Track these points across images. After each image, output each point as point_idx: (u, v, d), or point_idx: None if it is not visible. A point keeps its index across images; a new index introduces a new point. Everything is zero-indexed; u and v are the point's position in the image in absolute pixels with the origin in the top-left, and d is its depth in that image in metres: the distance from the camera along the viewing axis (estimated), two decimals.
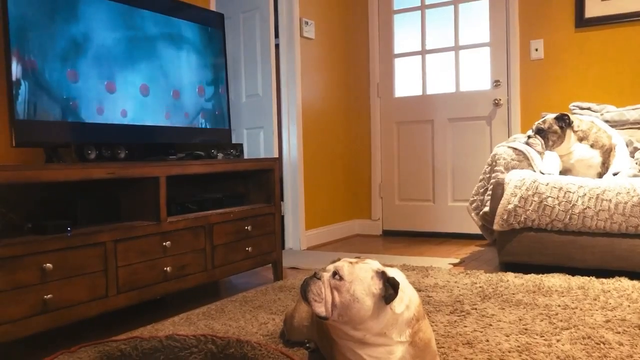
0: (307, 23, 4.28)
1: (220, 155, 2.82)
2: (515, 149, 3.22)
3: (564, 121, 3.10)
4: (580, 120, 3.17)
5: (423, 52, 4.57)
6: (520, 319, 2.06)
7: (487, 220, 3.20)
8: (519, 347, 1.77)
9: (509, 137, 4.11)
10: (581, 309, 2.17)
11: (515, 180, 2.96)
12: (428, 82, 4.57)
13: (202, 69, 2.92)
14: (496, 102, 4.23)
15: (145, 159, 2.52)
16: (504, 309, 2.21)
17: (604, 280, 2.62)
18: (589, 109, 3.63)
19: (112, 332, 2.14)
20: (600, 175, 3.10)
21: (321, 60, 4.49)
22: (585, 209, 2.77)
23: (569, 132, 3.11)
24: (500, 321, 2.05)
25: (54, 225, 1.98)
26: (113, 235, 2.11)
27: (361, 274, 1.36)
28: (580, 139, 3.13)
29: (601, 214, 2.74)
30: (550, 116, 3.14)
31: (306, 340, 1.81)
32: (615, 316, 2.06)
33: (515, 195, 2.91)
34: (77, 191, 2.41)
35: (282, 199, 4.11)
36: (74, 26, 2.31)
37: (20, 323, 1.79)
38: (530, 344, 1.79)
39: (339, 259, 3.54)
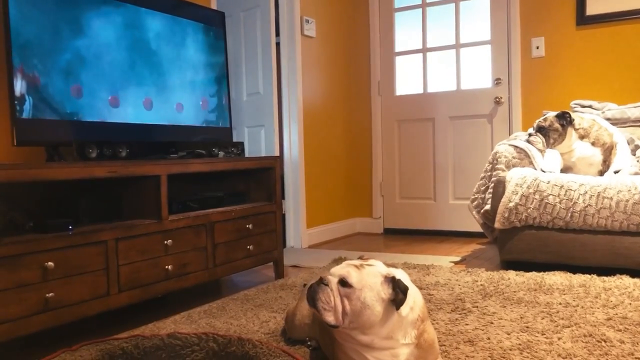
0: (307, 21, 4.28)
1: (221, 154, 2.82)
2: (516, 147, 3.22)
3: (565, 119, 3.10)
4: (581, 118, 3.17)
5: (424, 50, 4.56)
6: (521, 317, 2.06)
7: (488, 218, 3.19)
8: (520, 345, 1.77)
9: (510, 135, 4.10)
10: (582, 307, 2.17)
11: (516, 178, 2.96)
12: (429, 80, 4.57)
13: (203, 68, 2.92)
14: (497, 100, 4.23)
15: (146, 158, 2.52)
16: (505, 307, 2.21)
17: (605, 278, 2.62)
18: (590, 106, 3.63)
19: (114, 331, 2.15)
20: (601, 173, 3.10)
21: (322, 59, 4.49)
22: (587, 206, 2.77)
23: (570, 130, 3.11)
24: (501, 319, 2.05)
25: (56, 223, 1.98)
26: (114, 233, 2.11)
27: (370, 280, 1.35)
28: (582, 137, 3.12)
29: (602, 211, 2.74)
30: (552, 114, 3.14)
31: (307, 338, 1.81)
32: (617, 314, 2.06)
33: (517, 193, 2.91)
34: (79, 190, 2.41)
35: (283, 197, 4.11)
36: (74, 27, 2.31)
37: (22, 321, 1.79)
38: (532, 341, 1.79)
39: (340, 258, 3.53)
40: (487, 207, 3.16)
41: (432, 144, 4.54)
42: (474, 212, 3.35)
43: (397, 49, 4.69)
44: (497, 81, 4.24)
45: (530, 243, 2.93)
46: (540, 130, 3.12)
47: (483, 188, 3.32)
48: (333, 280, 1.37)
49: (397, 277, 1.35)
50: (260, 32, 4.07)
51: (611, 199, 2.73)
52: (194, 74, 2.87)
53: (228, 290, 2.84)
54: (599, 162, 3.12)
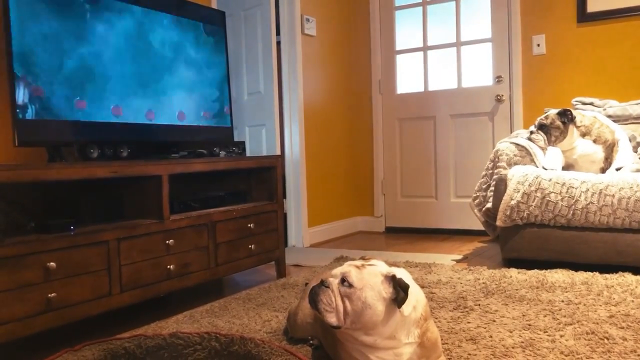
0: (308, 20, 4.27)
1: (222, 153, 2.82)
2: (517, 144, 3.21)
3: (566, 116, 3.09)
4: (582, 115, 3.17)
5: (425, 49, 4.56)
6: (523, 315, 2.06)
7: (490, 216, 3.19)
8: (522, 342, 1.77)
9: (511, 132, 4.10)
10: (585, 305, 2.16)
11: (517, 176, 2.95)
12: (430, 79, 4.56)
13: (203, 68, 2.92)
14: (498, 97, 4.22)
15: (147, 158, 2.52)
16: (507, 304, 2.21)
17: (607, 275, 2.62)
18: (591, 104, 3.62)
19: (116, 331, 2.15)
20: (603, 171, 3.09)
21: (323, 57, 4.49)
22: (589, 204, 2.77)
23: (571, 127, 3.10)
24: (503, 317, 2.05)
25: (57, 224, 1.98)
26: (116, 233, 2.11)
27: (371, 279, 1.34)
28: (583, 134, 3.12)
29: (604, 209, 2.73)
30: (553, 111, 3.13)
31: (310, 337, 1.81)
32: (619, 311, 2.05)
33: (518, 191, 2.91)
34: (80, 190, 2.41)
35: (284, 196, 4.12)
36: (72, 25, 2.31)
37: (24, 322, 1.79)
38: (534, 339, 1.79)
39: (341, 257, 3.53)
40: (489, 205, 3.16)
41: (434, 142, 4.53)
42: (475, 210, 3.35)
43: (398, 47, 4.69)
44: (498, 79, 4.23)
45: (532, 241, 2.93)
46: (542, 127, 3.12)
47: (485, 186, 3.31)
48: (334, 281, 1.37)
49: (398, 275, 1.35)
50: (260, 31, 4.07)
51: (613, 196, 2.72)
52: (195, 74, 2.87)
53: (230, 289, 2.84)
54: (600, 160, 3.11)
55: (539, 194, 2.86)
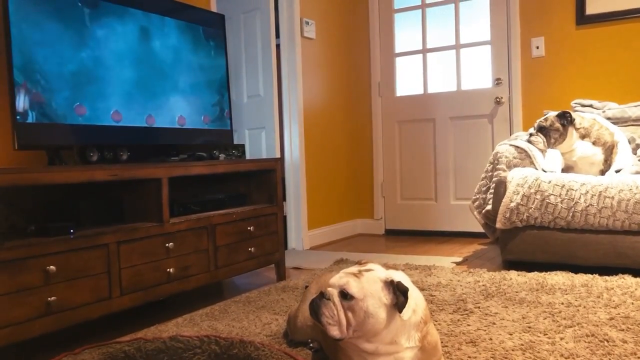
0: (307, 23, 4.28)
1: (222, 156, 2.82)
2: (517, 147, 3.22)
3: (565, 119, 3.10)
4: (582, 117, 3.17)
5: (424, 51, 4.56)
6: (523, 317, 2.06)
7: (489, 218, 3.19)
8: (522, 345, 1.77)
9: (510, 135, 4.10)
10: (584, 307, 2.16)
11: (517, 178, 2.95)
12: (429, 81, 4.57)
13: (203, 71, 2.92)
14: (497, 100, 4.23)
15: (147, 161, 2.52)
16: (507, 307, 2.21)
17: (607, 277, 2.62)
18: (590, 106, 3.63)
19: (116, 334, 2.15)
20: (602, 173, 3.10)
21: (322, 60, 4.49)
22: (588, 206, 2.77)
23: (571, 129, 3.11)
24: (503, 319, 2.05)
25: (57, 227, 1.98)
26: (116, 236, 2.11)
27: (371, 287, 1.34)
28: (583, 137, 3.12)
29: (604, 211, 2.74)
30: (552, 114, 3.14)
31: (310, 340, 1.81)
32: (619, 313, 2.05)
33: (518, 193, 2.91)
34: (80, 193, 2.41)
35: (284, 199, 4.12)
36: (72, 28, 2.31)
37: (24, 325, 1.79)
38: (534, 342, 1.79)
39: (341, 259, 3.53)
40: (489, 207, 3.16)
41: (433, 144, 4.54)
42: (475, 213, 3.35)
43: (397, 49, 4.70)
44: (498, 81, 4.24)
45: (532, 243, 2.93)
46: (541, 130, 3.12)
47: (484, 188, 3.31)
48: (334, 293, 1.36)
49: (396, 279, 1.35)
50: (260, 34, 4.08)
51: (613, 198, 2.73)
52: (194, 77, 2.87)
53: (230, 292, 2.84)
54: (600, 162, 3.11)
55: (538, 196, 2.87)
